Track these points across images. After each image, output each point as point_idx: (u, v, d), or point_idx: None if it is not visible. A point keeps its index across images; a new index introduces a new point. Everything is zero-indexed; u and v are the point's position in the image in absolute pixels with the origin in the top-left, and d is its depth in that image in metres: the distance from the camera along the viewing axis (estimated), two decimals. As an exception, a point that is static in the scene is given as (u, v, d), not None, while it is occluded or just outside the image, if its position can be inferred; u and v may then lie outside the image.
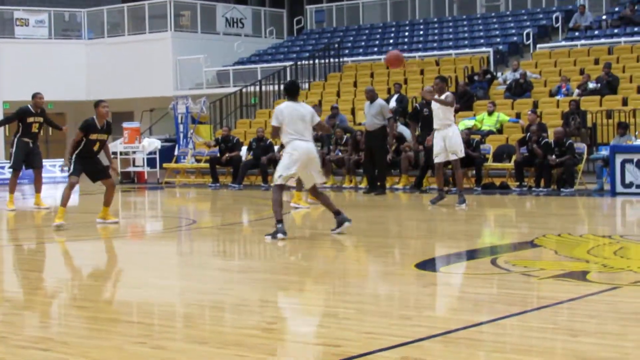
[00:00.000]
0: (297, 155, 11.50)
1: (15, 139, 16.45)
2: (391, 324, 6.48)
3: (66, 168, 13.95)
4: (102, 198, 13.81)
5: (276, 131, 11.80)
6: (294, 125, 11.53)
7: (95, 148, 13.40)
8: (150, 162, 25.09)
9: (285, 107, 11.68)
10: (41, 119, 16.46)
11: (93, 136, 13.30)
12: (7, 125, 19.03)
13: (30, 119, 16.32)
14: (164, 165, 24.99)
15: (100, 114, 13.34)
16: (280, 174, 11.61)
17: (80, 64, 33.37)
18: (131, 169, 25.41)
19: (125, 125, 26.13)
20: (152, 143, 25.32)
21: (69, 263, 11.00)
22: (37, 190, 16.67)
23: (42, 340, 6.29)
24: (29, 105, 16.43)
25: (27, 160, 16.45)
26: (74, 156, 13.26)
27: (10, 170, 16.76)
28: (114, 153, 25.20)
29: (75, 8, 34.95)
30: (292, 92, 11.88)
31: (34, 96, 16.56)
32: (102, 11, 34.17)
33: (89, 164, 13.40)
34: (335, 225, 11.77)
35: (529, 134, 19.41)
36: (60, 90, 32.02)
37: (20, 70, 31.93)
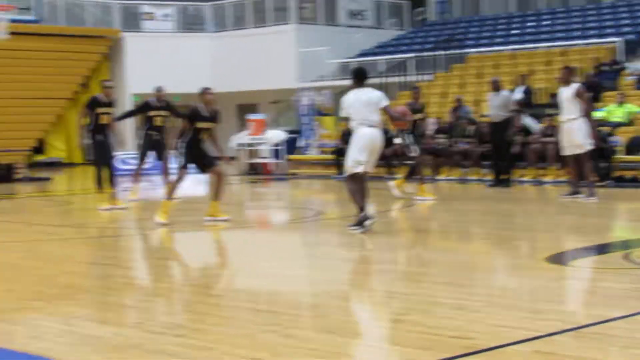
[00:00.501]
0: (364, 142, 11.42)
1: (143, 132, 16.86)
2: (521, 317, 6.38)
3: (175, 156, 13.94)
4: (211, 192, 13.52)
5: (348, 122, 11.72)
6: (359, 111, 11.44)
7: (203, 137, 13.13)
8: (275, 154, 25.31)
9: (349, 96, 11.62)
10: (165, 112, 16.62)
11: (200, 124, 12.99)
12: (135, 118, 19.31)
13: (152, 113, 16.57)
14: (289, 156, 25.19)
15: (206, 101, 13.19)
16: (349, 163, 11.54)
17: (205, 56, 33.87)
18: (256, 160, 25.67)
19: (250, 117, 26.42)
20: (276, 135, 25.53)
21: (198, 252, 11.16)
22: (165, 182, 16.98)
23: (176, 327, 6.41)
24: (150, 99, 16.70)
25: (155, 151, 16.82)
26: (181, 147, 13.13)
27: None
28: (241, 145, 25.55)
29: (200, 2, 35.51)
30: (357, 78, 11.75)
31: (155, 90, 16.84)
32: (226, 4, 34.63)
33: (197, 155, 13.05)
34: (355, 222, 11.51)
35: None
36: (185, 83, 32.51)
37: (146, 63, 32.57)
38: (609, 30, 28.36)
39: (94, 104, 15.25)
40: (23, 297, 7.95)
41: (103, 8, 33.77)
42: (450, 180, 20.94)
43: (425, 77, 28.25)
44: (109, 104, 15.31)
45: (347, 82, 30.21)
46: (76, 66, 31.60)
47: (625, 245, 10.46)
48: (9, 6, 16.93)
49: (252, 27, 33.70)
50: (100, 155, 15.16)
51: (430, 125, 22.27)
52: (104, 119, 15.21)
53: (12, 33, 17.15)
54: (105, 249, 11.37)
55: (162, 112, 16.56)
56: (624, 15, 29.87)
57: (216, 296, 7.78)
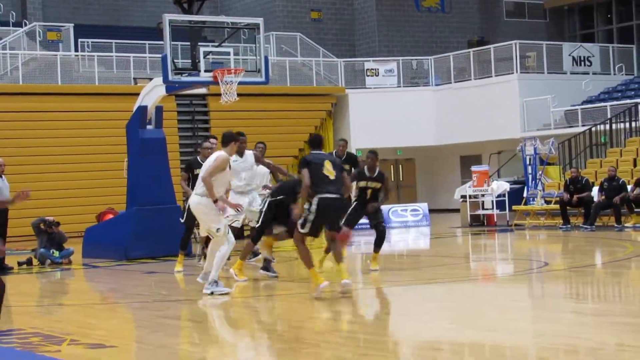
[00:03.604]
0: None
1: None
2: None
3: None
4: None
5: None
6: None
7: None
8: (499, 205, 25.05)
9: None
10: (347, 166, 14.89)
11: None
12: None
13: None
14: (513, 207, 24.86)
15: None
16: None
17: (428, 110, 34.03)
18: (480, 211, 25.49)
19: (473, 168, 26.32)
20: (500, 186, 25.28)
21: (421, 305, 11.16)
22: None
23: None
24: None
25: None
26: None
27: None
28: (463, 197, 25.44)
29: (422, 56, 35.82)
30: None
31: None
32: (448, 57, 34.74)
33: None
34: None
35: None
36: (408, 137, 32.88)
37: (370, 118, 33.07)
38: None
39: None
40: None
41: (328, 67, 34.65)
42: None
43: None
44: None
45: (573, 130, 29.69)
46: (301, 124, 32.49)
47: None
48: (239, 70, 17.63)
49: (475, 78, 33.64)
50: None
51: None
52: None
53: (241, 95, 17.83)
54: (328, 305, 11.53)
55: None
56: None
57: (438, 350, 7.76)
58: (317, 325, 9.45)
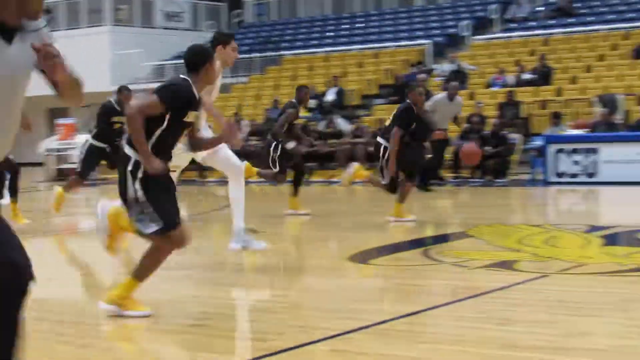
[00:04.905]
0: None
1: None
2: (321, 317, 6.46)
3: None
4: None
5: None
6: None
7: None
8: (88, 159, 24.76)
9: None
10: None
11: None
12: None
13: None
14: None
15: None
16: None
17: (14, 59, 32.88)
18: (66, 165, 25.06)
19: (60, 121, 25.82)
20: (88, 139, 25.01)
21: None
22: None
23: None
24: None
25: None
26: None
27: None
28: (50, 150, 24.90)
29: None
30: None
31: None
32: (37, 5, 33.74)
33: None
34: None
35: (469, 125, 19.59)
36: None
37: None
38: (419, 33, 29.18)
39: None
40: None
41: None
42: (264, 182, 21.01)
43: (241, 80, 28.34)
44: None
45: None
46: None
47: (425, 242, 10.75)
48: None
49: (65, 28, 32.95)
50: None
51: (244, 128, 22.34)
52: None
53: None
54: None
55: None
56: (433, 18, 30.80)
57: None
58: None
